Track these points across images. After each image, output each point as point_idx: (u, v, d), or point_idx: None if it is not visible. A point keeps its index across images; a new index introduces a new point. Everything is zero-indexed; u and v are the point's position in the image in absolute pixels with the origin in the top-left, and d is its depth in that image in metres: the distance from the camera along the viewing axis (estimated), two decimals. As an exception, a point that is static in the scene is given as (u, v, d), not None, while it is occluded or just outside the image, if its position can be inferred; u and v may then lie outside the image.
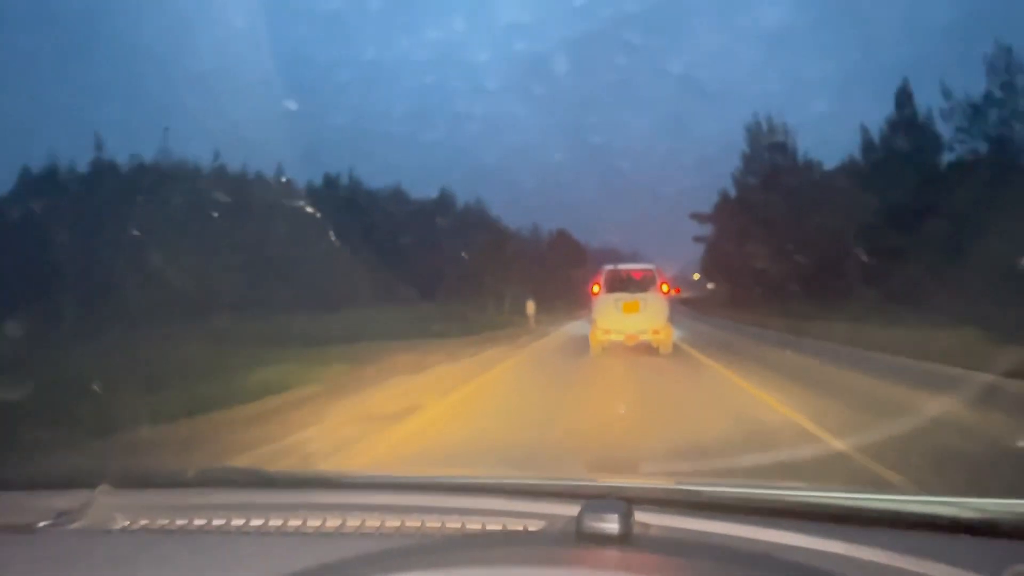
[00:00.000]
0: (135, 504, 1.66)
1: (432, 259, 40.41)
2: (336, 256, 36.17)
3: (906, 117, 26.20)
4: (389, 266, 37.30)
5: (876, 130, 28.36)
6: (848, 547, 1.28)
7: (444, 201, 61.56)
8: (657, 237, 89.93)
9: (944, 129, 24.32)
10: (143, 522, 1.56)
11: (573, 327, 26.87)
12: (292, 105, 52.46)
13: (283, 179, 46.72)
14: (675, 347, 14.71)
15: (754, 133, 35.56)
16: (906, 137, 25.56)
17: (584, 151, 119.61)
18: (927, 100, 26.56)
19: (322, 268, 33.83)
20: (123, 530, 1.54)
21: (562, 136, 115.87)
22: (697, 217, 51.69)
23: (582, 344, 16.24)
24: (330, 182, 55.26)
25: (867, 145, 28.19)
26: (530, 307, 27.64)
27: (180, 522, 1.55)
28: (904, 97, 26.50)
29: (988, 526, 1.38)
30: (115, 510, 1.61)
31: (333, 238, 37.13)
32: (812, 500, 1.58)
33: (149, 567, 1.34)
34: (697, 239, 53.39)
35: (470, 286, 35.14)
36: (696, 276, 67.54)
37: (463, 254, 41.90)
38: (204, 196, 36.43)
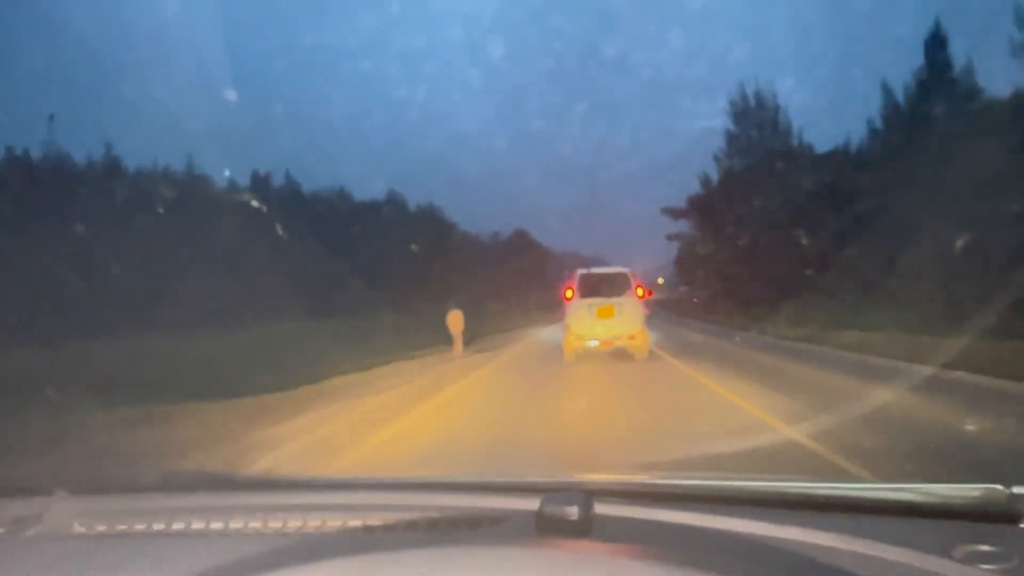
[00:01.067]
0: (93, 509, 1.63)
1: (368, 265, 35.14)
2: (251, 266, 30.16)
3: (940, 69, 20.54)
4: (315, 274, 32.00)
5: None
6: (804, 532, 1.30)
7: (392, 202, 55.83)
8: (624, 239, 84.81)
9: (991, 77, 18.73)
10: (101, 527, 1.55)
11: (527, 346, 20.70)
12: (231, 95, 46.58)
13: (196, 174, 39.85)
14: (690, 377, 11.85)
15: (740, 108, 29.82)
16: (942, 92, 19.89)
17: (545, 150, 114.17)
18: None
19: (231, 279, 28.43)
20: (81, 536, 1.53)
21: (526, 138, 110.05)
22: (670, 212, 45.90)
23: (529, 398, 10.34)
24: (258, 181, 48.38)
25: (890, 108, 22.51)
26: (454, 322, 16.74)
27: (139, 527, 1.54)
28: (936, 45, 20.90)
29: (939, 509, 1.42)
30: (72, 516, 1.58)
31: (248, 243, 30.56)
32: (767, 488, 1.62)
33: (108, 572, 1.29)
34: (670, 237, 47.62)
35: (409, 294, 28.93)
36: (660, 280, 64.36)
37: (400, 258, 36.87)
38: (91, 194, 30.05)
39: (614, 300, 13.84)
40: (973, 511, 1.40)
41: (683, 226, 43.01)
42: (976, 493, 1.42)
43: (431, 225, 46.04)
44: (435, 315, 26.74)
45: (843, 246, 21.86)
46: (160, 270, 26.31)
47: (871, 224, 20.43)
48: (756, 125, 29.25)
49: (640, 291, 14.23)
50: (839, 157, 26.98)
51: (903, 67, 23.07)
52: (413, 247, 36.64)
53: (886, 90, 22.63)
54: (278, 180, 47.65)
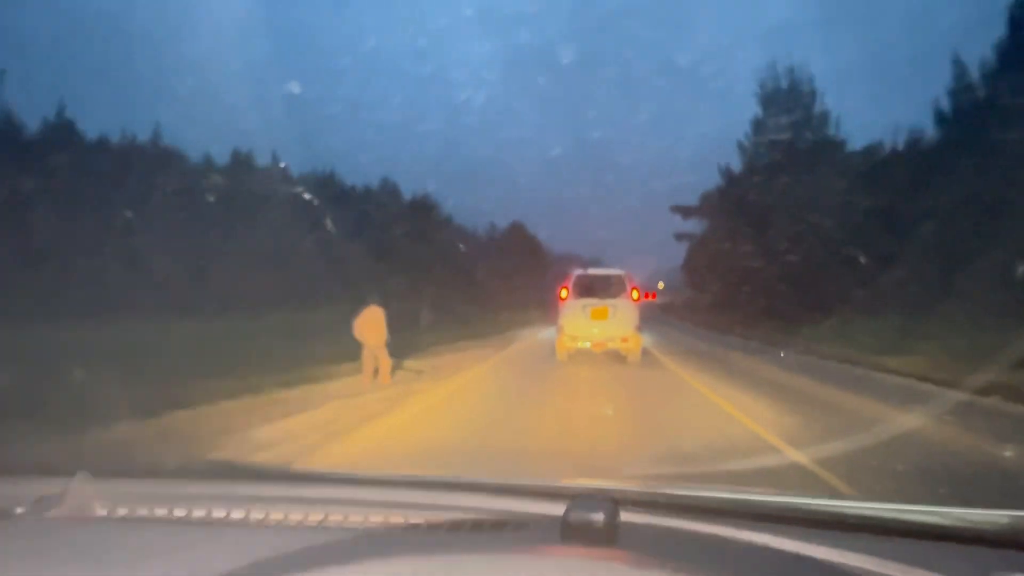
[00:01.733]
0: (114, 493, 1.60)
1: (342, 258, 31.10)
2: (219, 254, 27.72)
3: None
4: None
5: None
6: (830, 551, 1.28)
7: (386, 192, 52.00)
8: (630, 243, 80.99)
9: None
10: (122, 511, 1.54)
11: (506, 360, 15.69)
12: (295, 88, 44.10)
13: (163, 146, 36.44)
14: None
15: (769, 91, 25.64)
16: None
17: (559, 151, 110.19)
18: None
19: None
20: (102, 518, 1.52)
21: (535, 138, 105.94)
22: (680, 210, 41.97)
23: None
24: (240, 162, 44.92)
25: (961, 89, 18.50)
26: (369, 326, 11.05)
27: (160, 512, 1.53)
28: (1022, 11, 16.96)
29: (971, 535, 1.39)
30: (94, 498, 1.56)
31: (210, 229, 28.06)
32: (795, 505, 1.59)
33: (128, 555, 1.27)
34: (680, 236, 43.67)
35: (381, 288, 25.44)
36: (661, 285, 62.16)
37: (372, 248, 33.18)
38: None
39: (608, 302, 13.68)
40: (1004, 538, 1.34)
41: (694, 226, 39.25)
42: (1005, 520, 1.36)
43: (421, 216, 42.40)
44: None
45: (886, 258, 18.96)
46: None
47: (921, 233, 17.60)
48: (787, 111, 25.19)
49: (636, 293, 14.11)
50: (881, 153, 23.19)
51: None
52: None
53: (958, 66, 18.66)
54: (264, 160, 44.03)
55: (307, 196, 37.94)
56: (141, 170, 28.46)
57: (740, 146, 28.14)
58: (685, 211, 40.72)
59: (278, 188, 37.38)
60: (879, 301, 18.27)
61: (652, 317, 45.36)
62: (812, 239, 23.57)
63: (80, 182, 23.86)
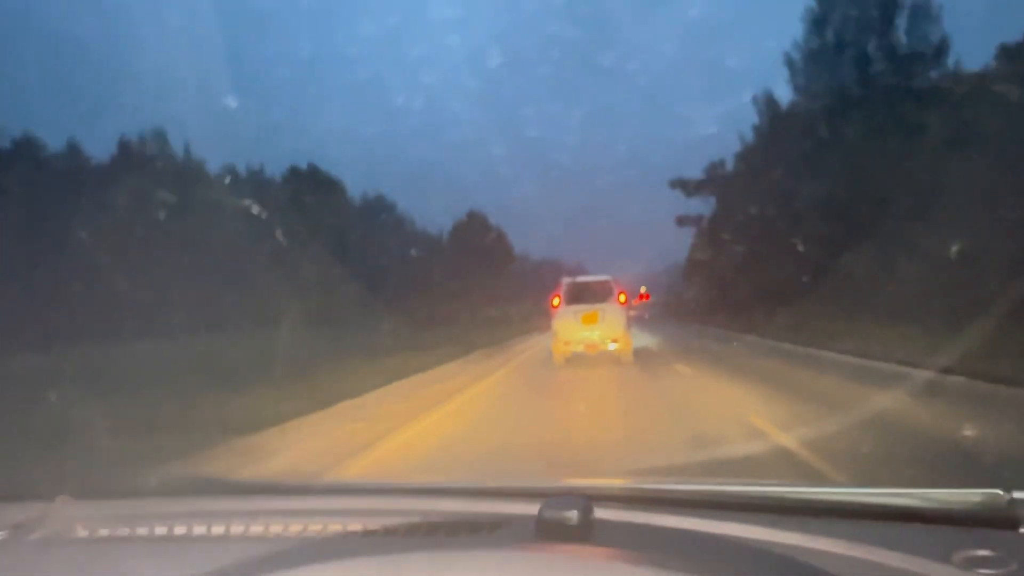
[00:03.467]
0: (95, 514, 1.60)
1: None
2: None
3: None
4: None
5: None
6: (803, 537, 1.29)
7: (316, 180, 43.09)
8: (614, 247, 74.93)
9: None
10: (103, 532, 1.53)
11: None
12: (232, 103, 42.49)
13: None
14: None
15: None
16: None
17: (526, 156, 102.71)
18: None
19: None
20: (83, 540, 1.50)
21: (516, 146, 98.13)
22: (683, 185, 33.65)
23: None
24: (126, 150, 37.08)
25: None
26: None
27: (141, 531, 1.52)
28: None
29: (938, 514, 1.41)
30: (75, 520, 1.56)
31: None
32: (766, 493, 1.62)
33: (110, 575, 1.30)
34: (682, 220, 35.52)
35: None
36: (643, 288, 55.89)
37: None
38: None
39: (598, 306, 14.24)
40: (973, 517, 1.37)
41: (699, 206, 31.02)
42: (976, 498, 1.38)
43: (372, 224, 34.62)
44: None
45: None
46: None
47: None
48: (856, 3, 16.25)
49: (623, 297, 14.76)
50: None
51: None
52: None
53: None
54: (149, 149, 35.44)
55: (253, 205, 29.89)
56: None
57: (788, 62, 18.97)
58: (690, 187, 32.31)
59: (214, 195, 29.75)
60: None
61: (655, 316, 38.66)
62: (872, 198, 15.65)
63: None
